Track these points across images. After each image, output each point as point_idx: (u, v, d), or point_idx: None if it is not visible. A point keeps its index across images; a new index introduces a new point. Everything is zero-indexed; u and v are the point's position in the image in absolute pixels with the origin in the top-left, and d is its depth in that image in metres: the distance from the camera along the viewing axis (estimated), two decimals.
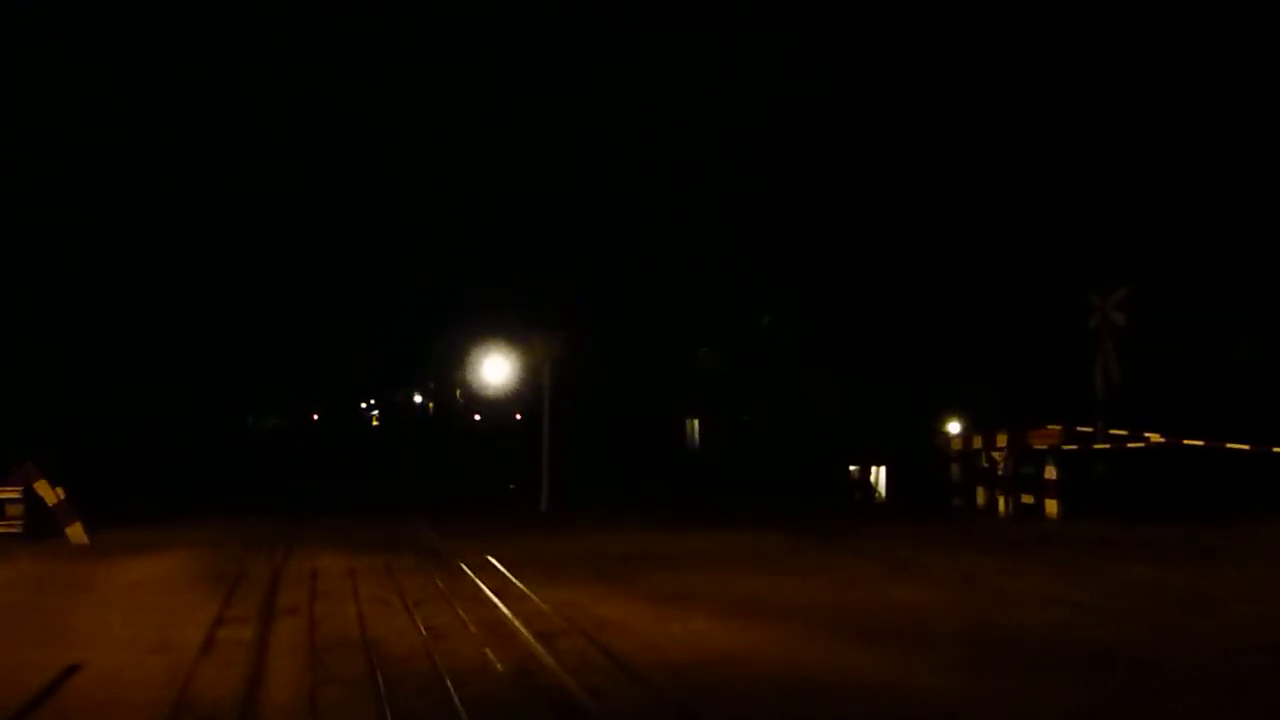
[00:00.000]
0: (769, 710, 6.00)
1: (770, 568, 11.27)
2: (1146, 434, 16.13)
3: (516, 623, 8.07)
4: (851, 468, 25.88)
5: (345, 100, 57.22)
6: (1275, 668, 6.81)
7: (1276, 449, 14.44)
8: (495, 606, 8.81)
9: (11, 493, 14.01)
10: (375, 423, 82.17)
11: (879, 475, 25.78)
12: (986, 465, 18.31)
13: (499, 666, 6.81)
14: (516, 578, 10.15)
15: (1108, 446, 16.79)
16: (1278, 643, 7.42)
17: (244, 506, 18.81)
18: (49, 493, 13.81)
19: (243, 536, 13.83)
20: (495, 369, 21.73)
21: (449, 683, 6.34)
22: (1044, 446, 16.98)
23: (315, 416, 76.40)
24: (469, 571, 10.72)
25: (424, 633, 7.81)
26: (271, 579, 10.33)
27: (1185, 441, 15.60)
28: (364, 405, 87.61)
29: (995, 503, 17.78)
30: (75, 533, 13.60)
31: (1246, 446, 14.85)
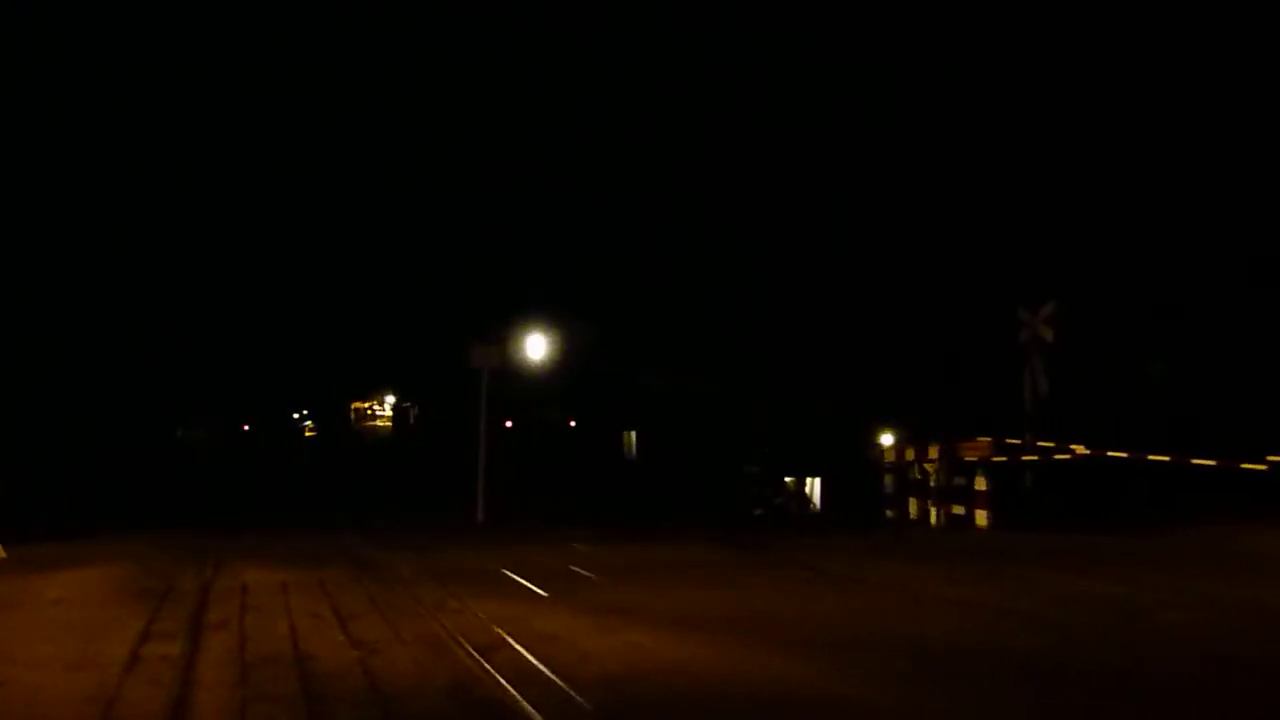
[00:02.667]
0: None
1: (708, 580, 11.31)
2: (1072, 446, 16.53)
3: (453, 637, 7.99)
4: (787, 479, 26.13)
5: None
6: (1197, 673, 7.00)
7: (1194, 460, 14.88)
8: (431, 620, 8.71)
9: None
10: (309, 433, 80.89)
11: (814, 487, 26.07)
12: (919, 477, 18.63)
13: (435, 681, 6.73)
14: (452, 591, 10.06)
15: (1035, 458, 17.18)
16: (1201, 648, 7.63)
17: (173, 519, 18.38)
18: None
19: (171, 550, 13.51)
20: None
21: (384, 699, 6.26)
22: (974, 458, 17.32)
23: (246, 427, 74.89)
24: (404, 584, 10.59)
25: (358, 648, 7.69)
26: (200, 593, 10.10)
27: (1108, 453, 16.02)
28: (296, 416, 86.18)
29: (927, 513, 18.09)
30: None
31: (1166, 458, 15.30)
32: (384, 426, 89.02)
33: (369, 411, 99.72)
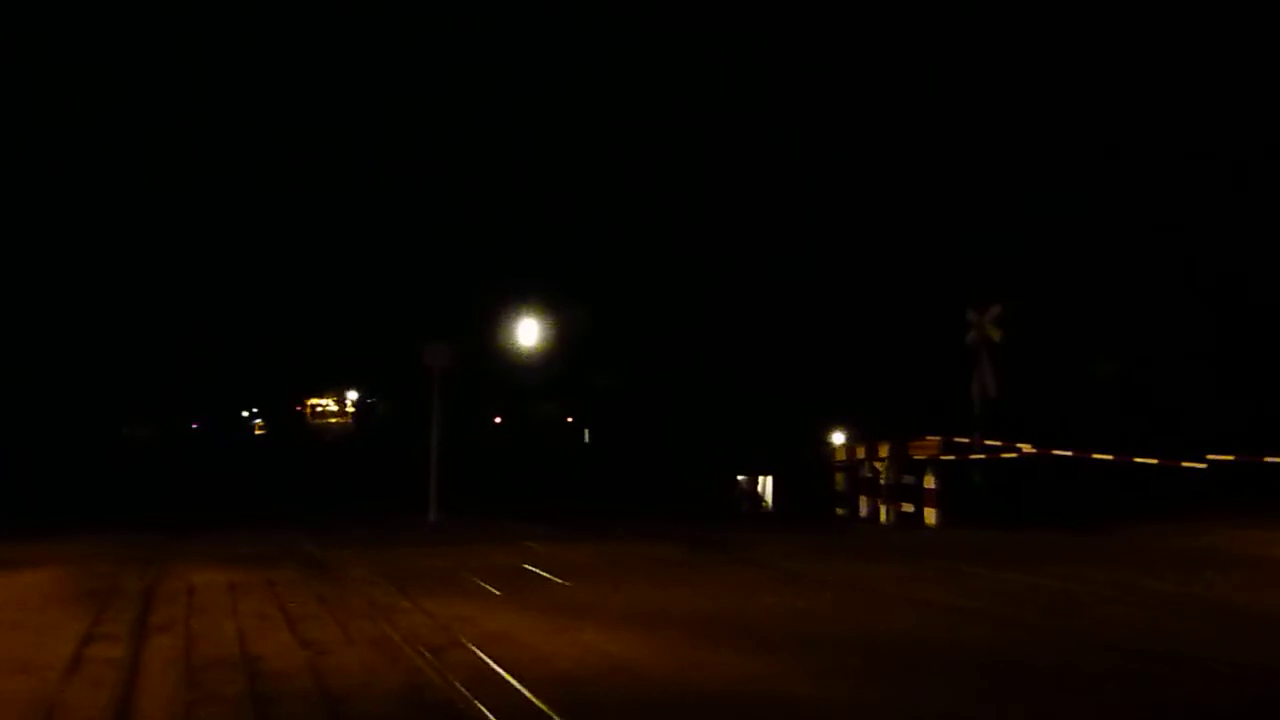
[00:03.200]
0: None
1: (661, 578, 11.34)
2: (1019, 444, 16.79)
3: (403, 637, 7.94)
4: (740, 478, 26.29)
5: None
6: (1130, 664, 7.18)
7: (1137, 459, 15.18)
8: (382, 620, 8.66)
9: None
10: (260, 431, 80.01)
11: (766, 485, 26.25)
12: (869, 475, 18.81)
13: (385, 682, 6.69)
14: (404, 591, 9.99)
15: (983, 457, 17.42)
16: (1138, 643, 7.80)
17: (116, 519, 18.06)
18: None
19: (114, 551, 13.27)
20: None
21: (333, 699, 6.21)
22: (924, 457, 17.52)
23: (195, 425, 73.81)
24: (354, 584, 10.50)
25: (307, 648, 7.62)
26: (145, 595, 9.94)
27: (1054, 451, 16.29)
28: (246, 414, 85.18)
29: (877, 511, 18.27)
30: None
31: (1110, 456, 15.58)
32: (339, 423, 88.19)
33: (322, 409, 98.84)
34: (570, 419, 37.43)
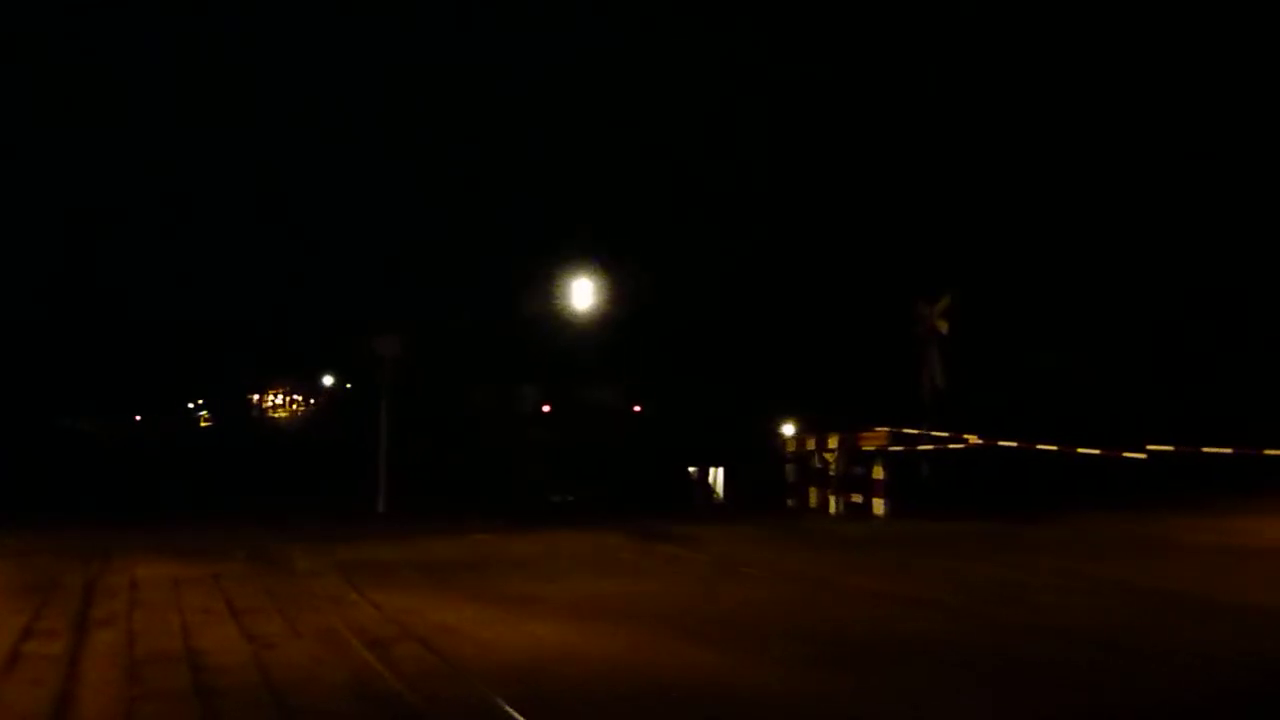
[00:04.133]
0: (607, 712, 6.05)
1: (611, 569, 11.36)
2: (965, 435, 17.03)
3: (350, 630, 7.87)
4: (690, 469, 26.38)
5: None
6: (1078, 652, 7.33)
7: (1080, 449, 15.47)
8: (329, 612, 8.57)
9: None
10: (205, 423, 78.88)
11: (717, 476, 26.37)
12: (819, 466, 18.96)
13: (332, 675, 6.63)
14: (351, 583, 9.90)
15: (931, 448, 17.65)
16: (1086, 631, 7.97)
17: (54, 514, 17.67)
18: None
19: (53, 545, 12.99)
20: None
21: (278, 693, 6.14)
22: (872, 448, 17.70)
23: (138, 418, 72.50)
24: (301, 577, 10.39)
25: (252, 642, 7.52)
26: (86, 590, 9.74)
27: (1000, 442, 16.56)
28: (191, 405, 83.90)
29: (827, 502, 18.43)
30: None
31: (1054, 447, 15.86)
32: (290, 415, 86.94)
33: (271, 402, 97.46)
34: (639, 407, 35.16)
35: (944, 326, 19.09)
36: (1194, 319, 24.67)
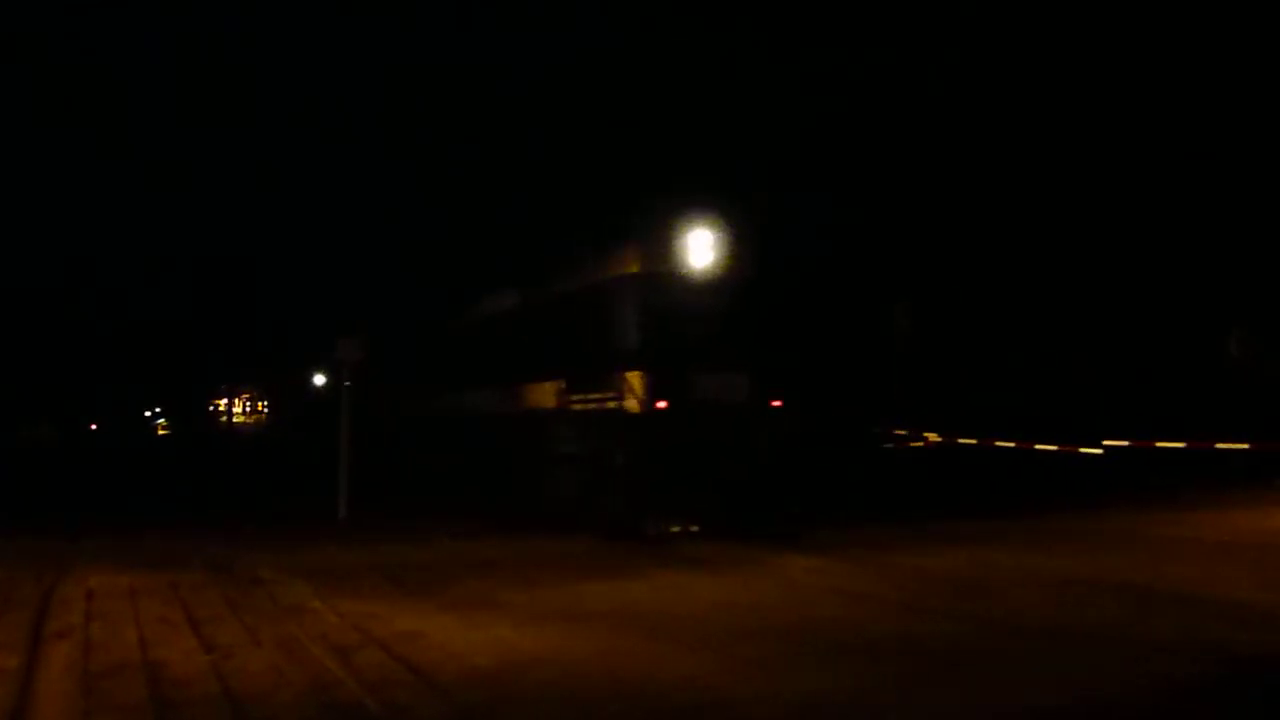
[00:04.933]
0: (575, 715, 6.04)
1: (577, 572, 11.33)
2: (925, 434, 17.20)
3: (312, 638, 7.80)
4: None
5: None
6: (1039, 644, 7.46)
7: (1038, 446, 15.68)
8: (289, 621, 8.49)
9: None
10: (163, 431, 77.91)
11: None
12: None
13: (293, 684, 6.57)
14: (312, 590, 9.81)
15: (892, 446, 17.80)
16: (1047, 623, 8.09)
17: (7, 523, 17.35)
18: None
19: (7, 555, 12.75)
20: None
21: (238, 704, 6.07)
22: None
23: (94, 426, 71.38)
24: (260, 585, 10.28)
25: (211, 652, 7.43)
26: (41, 601, 9.58)
27: (959, 440, 16.74)
28: (149, 414, 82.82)
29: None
30: None
31: (1011, 444, 16.07)
32: (253, 420, 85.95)
33: (231, 408, 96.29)
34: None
35: (907, 326, 19.28)
36: (1146, 317, 25.05)
